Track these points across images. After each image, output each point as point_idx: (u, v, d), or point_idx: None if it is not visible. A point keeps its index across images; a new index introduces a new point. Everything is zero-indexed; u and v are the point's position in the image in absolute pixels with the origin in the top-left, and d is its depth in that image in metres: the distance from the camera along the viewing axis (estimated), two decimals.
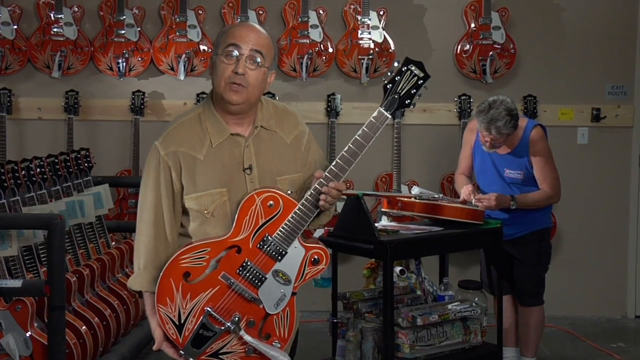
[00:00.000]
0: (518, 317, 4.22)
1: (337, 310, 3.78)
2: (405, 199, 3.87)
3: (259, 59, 2.30)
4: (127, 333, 4.12)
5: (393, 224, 3.95)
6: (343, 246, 3.61)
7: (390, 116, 2.29)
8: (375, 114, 2.30)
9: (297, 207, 2.27)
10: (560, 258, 5.44)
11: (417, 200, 3.83)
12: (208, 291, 2.26)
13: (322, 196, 2.26)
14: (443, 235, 3.70)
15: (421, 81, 2.30)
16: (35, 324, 3.39)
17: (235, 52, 2.28)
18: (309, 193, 2.28)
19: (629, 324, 5.53)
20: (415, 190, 4.16)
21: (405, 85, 2.29)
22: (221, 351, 2.28)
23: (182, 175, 2.33)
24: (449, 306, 3.65)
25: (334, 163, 2.29)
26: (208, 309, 2.25)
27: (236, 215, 2.27)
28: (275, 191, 2.29)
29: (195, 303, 2.26)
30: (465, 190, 4.07)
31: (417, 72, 2.29)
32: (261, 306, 2.28)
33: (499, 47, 5.45)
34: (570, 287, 5.55)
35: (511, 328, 4.22)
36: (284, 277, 2.28)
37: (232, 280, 2.26)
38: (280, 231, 2.27)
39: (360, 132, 2.29)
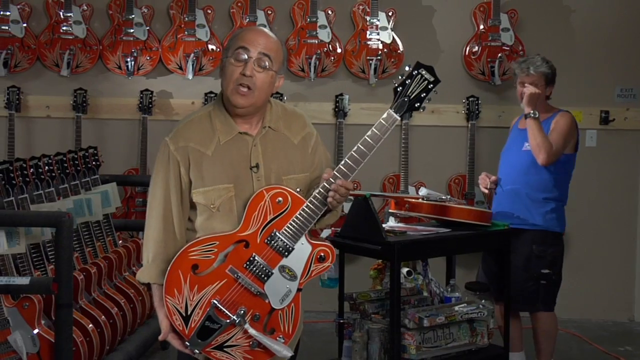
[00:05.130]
0: (519, 320, 4.19)
1: (343, 311, 3.78)
2: (413, 200, 3.87)
3: (266, 63, 2.35)
4: (133, 331, 4.13)
5: (400, 225, 3.94)
6: (350, 247, 3.61)
7: (399, 118, 2.33)
8: (384, 115, 2.33)
9: (305, 204, 2.31)
10: (567, 261, 5.38)
11: (424, 202, 3.83)
12: (215, 284, 2.29)
13: (331, 193, 2.29)
14: (450, 236, 3.70)
15: (431, 85, 2.34)
16: (43, 322, 3.40)
17: (244, 55, 2.34)
18: (317, 191, 2.31)
19: (636, 328, 5.51)
20: (423, 191, 4.15)
21: (415, 88, 2.33)
22: (226, 344, 2.31)
23: (190, 170, 2.39)
24: (456, 308, 3.64)
25: (342, 162, 2.33)
26: (215, 301, 2.29)
27: (245, 211, 2.32)
28: (284, 188, 2.33)
29: (202, 295, 2.29)
30: (481, 182, 4.13)
31: (427, 76, 2.34)
32: (267, 301, 2.31)
33: (508, 48, 5.45)
34: (578, 290, 5.53)
35: (515, 333, 4.16)
36: (290, 273, 2.32)
37: (239, 274, 2.29)
38: (288, 227, 2.31)
39: (369, 132, 2.33)
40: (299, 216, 2.30)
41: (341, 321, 3.74)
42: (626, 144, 5.59)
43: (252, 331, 2.29)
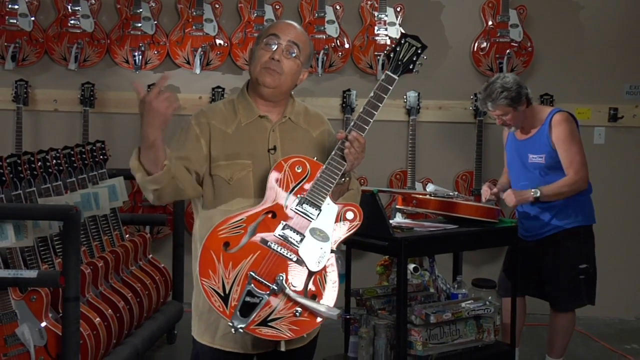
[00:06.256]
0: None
1: (350, 307, 3.78)
2: (420, 196, 3.86)
3: (295, 52, 2.46)
4: (140, 325, 4.14)
5: (407, 221, 3.94)
6: (357, 242, 3.61)
7: (397, 77, 2.44)
8: (383, 76, 2.45)
9: (324, 166, 2.37)
10: None
11: (431, 198, 3.82)
12: (249, 257, 2.30)
13: (347, 144, 2.36)
14: (457, 233, 3.69)
15: (419, 51, 2.47)
16: (50, 315, 3.41)
17: (274, 42, 2.44)
18: (333, 152, 2.38)
19: None
20: (430, 187, 4.15)
21: (405, 54, 2.46)
22: (269, 318, 2.28)
23: (211, 144, 2.44)
24: (463, 304, 3.64)
25: (352, 123, 2.41)
26: (252, 273, 2.28)
27: (267, 182, 2.37)
28: (301, 156, 2.40)
29: (238, 271, 2.29)
30: (483, 192, 4.08)
31: (414, 43, 2.47)
32: (303, 265, 2.31)
33: (516, 45, 5.43)
34: None
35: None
36: (321, 234, 2.34)
37: (271, 244, 2.31)
38: (312, 190, 2.35)
39: (372, 94, 2.43)
40: (320, 177, 2.36)
41: (347, 317, 3.74)
42: (635, 141, 5.57)
43: (292, 294, 2.26)
